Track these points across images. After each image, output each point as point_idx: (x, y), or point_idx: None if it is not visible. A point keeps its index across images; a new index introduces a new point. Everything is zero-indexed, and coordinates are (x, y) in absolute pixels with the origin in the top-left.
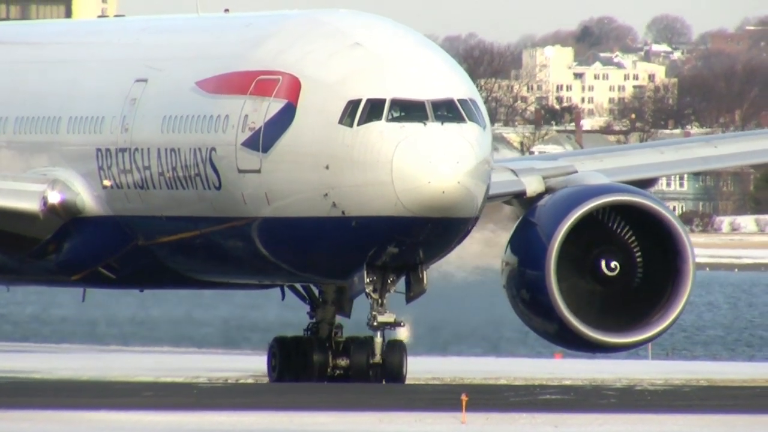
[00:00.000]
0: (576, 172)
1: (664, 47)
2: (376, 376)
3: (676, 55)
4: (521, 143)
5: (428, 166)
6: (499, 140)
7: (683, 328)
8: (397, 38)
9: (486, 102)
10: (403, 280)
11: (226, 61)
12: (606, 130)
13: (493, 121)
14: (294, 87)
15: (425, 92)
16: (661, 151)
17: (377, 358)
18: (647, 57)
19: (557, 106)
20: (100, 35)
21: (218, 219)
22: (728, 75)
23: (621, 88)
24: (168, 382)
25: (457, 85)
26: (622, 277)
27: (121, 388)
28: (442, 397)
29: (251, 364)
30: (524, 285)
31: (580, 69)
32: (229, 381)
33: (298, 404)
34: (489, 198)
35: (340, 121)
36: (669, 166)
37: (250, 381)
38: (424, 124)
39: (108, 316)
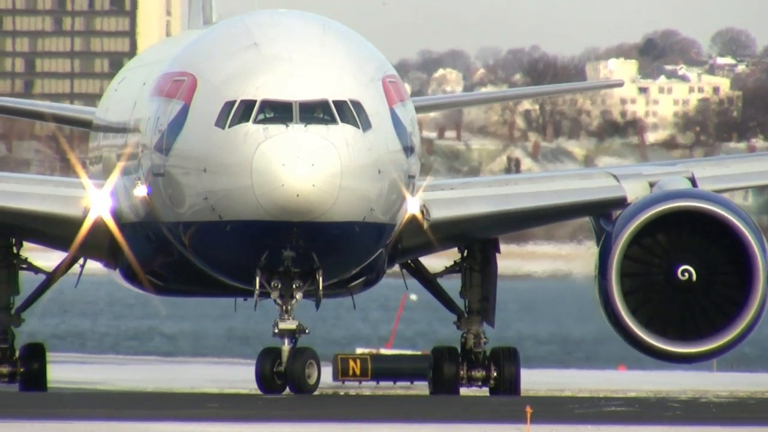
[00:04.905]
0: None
1: (728, 60)
2: (282, 384)
3: (741, 67)
4: (585, 156)
5: (281, 168)
6: (563, 153)
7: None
8: (295, 38)
9: (550, 115)
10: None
11: (164, 64)
12: (670, 143)
13: (557, 134)
14: (191, 88)
15: (297, 93)
16: None
17: (282, 367)
18: (712, 70)
19: (621, 120)
20: (165, 44)
21: (157, 224)
22: None
23: (685, 102)
24: (232, 393)
25: (339, 86)
26: (698, 284)
27: (185, 400)
28: (506, 409)
29: None
30: (599, 293)
31: (644, 83)
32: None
33: (360, 416)
34: (586, 206)
35: (216, 123)
36: None
37: (314, 393)
38: (287, 125)
39: (191, 328)
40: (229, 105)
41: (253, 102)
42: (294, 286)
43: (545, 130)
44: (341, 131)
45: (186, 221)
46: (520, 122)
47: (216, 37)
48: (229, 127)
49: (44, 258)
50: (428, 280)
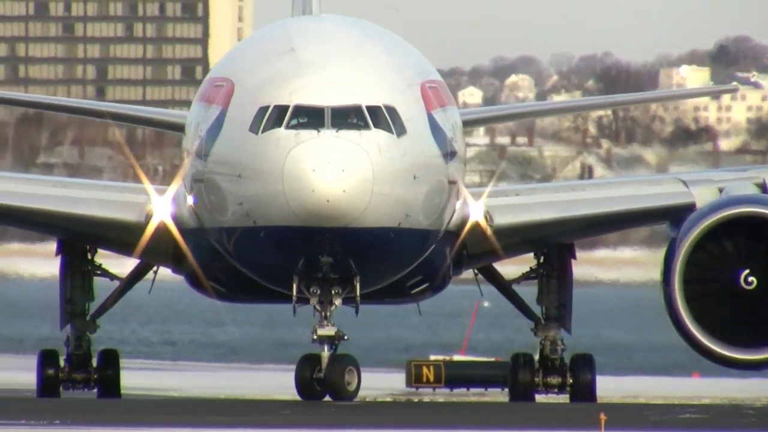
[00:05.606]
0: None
1: None
2: (322, 391)
3: None
4: (657, 164)
5: (311, 174)
6: (636, 160)
7: None
8: (332, 43)
9: (623, 122)
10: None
11: (212, 69)
12: (743, 150)
13: (631, 140)
14: (229, 93)
15: (329, 98)
16: None
17: (321, 373)
18: None
19: (693, 127)
20: None
21: (204, 230)
22: None
23: (758, 108)
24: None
25: (373, 92)
26: (761, 291)
27: (258, 407)
28: (581, 416)
29: (389, 382)
30: (664, 298)
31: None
32: (367, 399)
33: (432, 422)
34: (654, 212)
35: (250, 129)
36: None
37: (387, 399)
38: (318, 131)
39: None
40: (263, 110)
41: (286, 107)
42: (333, 293)
43: (618, 137)
44: (374, 136)
45: (227, 227)
46: (592, 128)
47: (256, 43)
48: (262, 132)
49: (119, 264)
50: (503, 287)
